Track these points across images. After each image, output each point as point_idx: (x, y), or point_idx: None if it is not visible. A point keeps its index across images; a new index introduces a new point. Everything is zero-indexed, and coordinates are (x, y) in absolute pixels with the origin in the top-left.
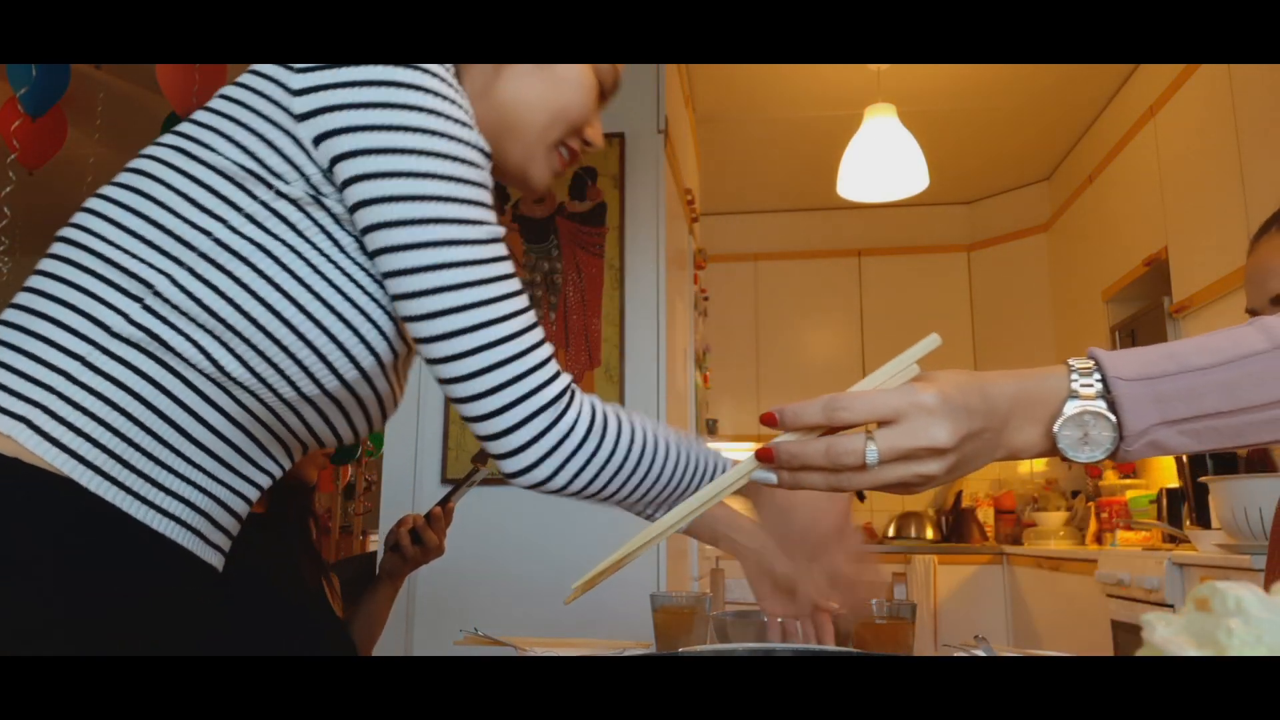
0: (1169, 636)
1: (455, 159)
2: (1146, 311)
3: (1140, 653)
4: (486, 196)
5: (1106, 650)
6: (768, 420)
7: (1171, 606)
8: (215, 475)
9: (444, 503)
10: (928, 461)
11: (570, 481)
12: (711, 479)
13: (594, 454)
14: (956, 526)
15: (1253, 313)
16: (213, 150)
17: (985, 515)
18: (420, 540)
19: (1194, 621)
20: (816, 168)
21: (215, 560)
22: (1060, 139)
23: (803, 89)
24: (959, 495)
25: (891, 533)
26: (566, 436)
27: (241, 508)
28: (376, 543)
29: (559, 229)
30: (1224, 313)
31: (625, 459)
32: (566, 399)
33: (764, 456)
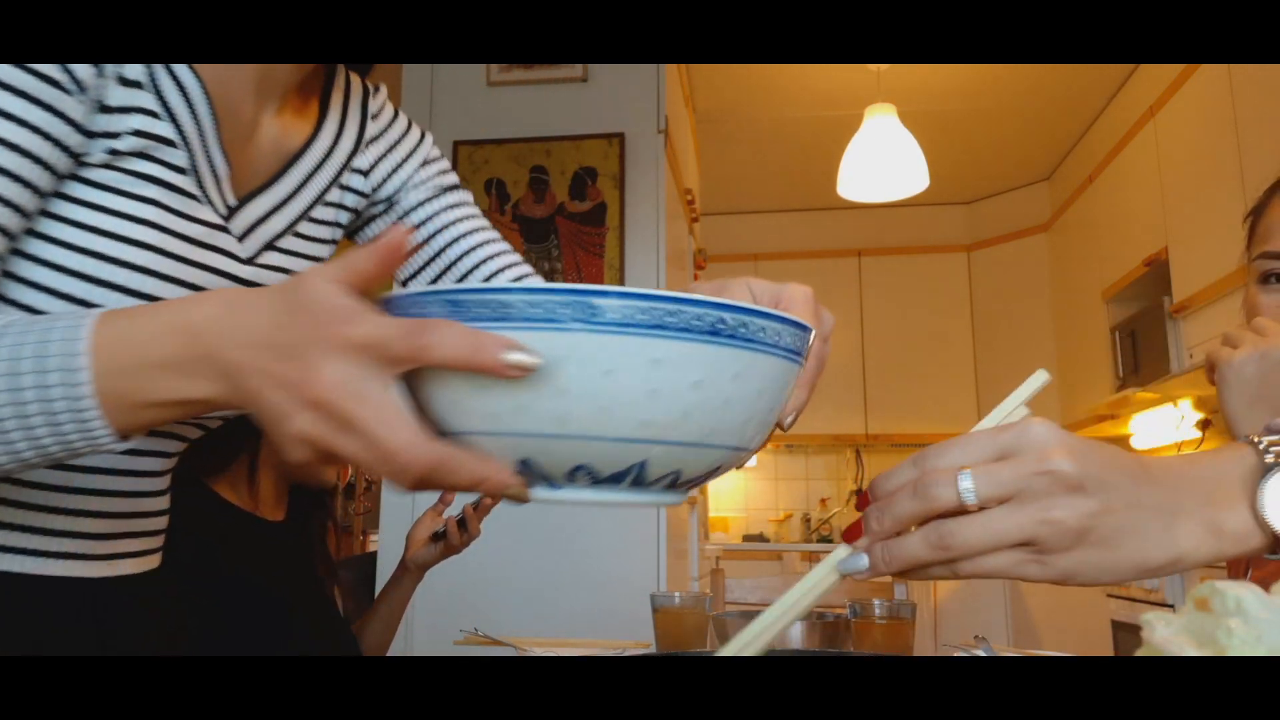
0: (1169, 636)
1: None
2: (1146, 311)
3: (1140, 653)
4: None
5: (1106, 650)
6: (863, 504)
7: (1171, 606)
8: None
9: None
10: (1055, 500)
11: None
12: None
13: None
14: None
15: (1268, 255)
16: None
17: None
18: (465, 528)
19: (1194, 621)
20: (816, 168)
21: (139, 566)
22: (1060, 139)
23: (803, 89)
24: None
25: None
26: None
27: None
28: (377, 543)
29: (559, 229)
30: (1224, 313)
31: None
32: None
33: (852, 536)
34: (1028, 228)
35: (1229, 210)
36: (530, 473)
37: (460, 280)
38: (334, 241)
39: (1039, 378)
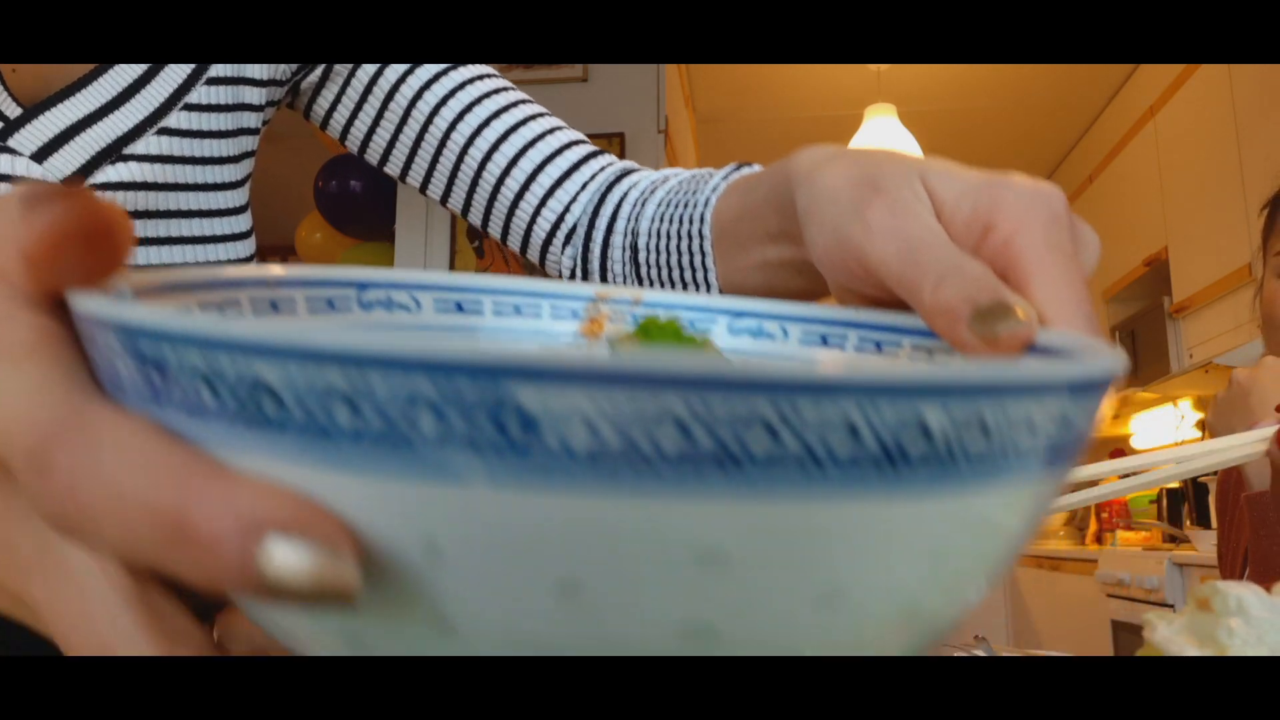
0: (1169, 636)
1: None
2: (1146, 311)
3: (1140, 653)
4: None
5: (1106, 650)
6: None
7: (1172, 606)
8: None
9: None
10: None
11: None
12: None
13: None
14: None
15: None
16: None
17: None
18: None
19: (1194, 621)
20: None
21: None
22: (1060, 139)
23: (803, 89)
24: None
25: None
26: None
27: None
28: None
29: None
30: (1224, 313)
31: None
32: None
33: None
34: None
35: (1229, 210)
36: None
37: (473, 184)
38: (237, 133)
39: None
